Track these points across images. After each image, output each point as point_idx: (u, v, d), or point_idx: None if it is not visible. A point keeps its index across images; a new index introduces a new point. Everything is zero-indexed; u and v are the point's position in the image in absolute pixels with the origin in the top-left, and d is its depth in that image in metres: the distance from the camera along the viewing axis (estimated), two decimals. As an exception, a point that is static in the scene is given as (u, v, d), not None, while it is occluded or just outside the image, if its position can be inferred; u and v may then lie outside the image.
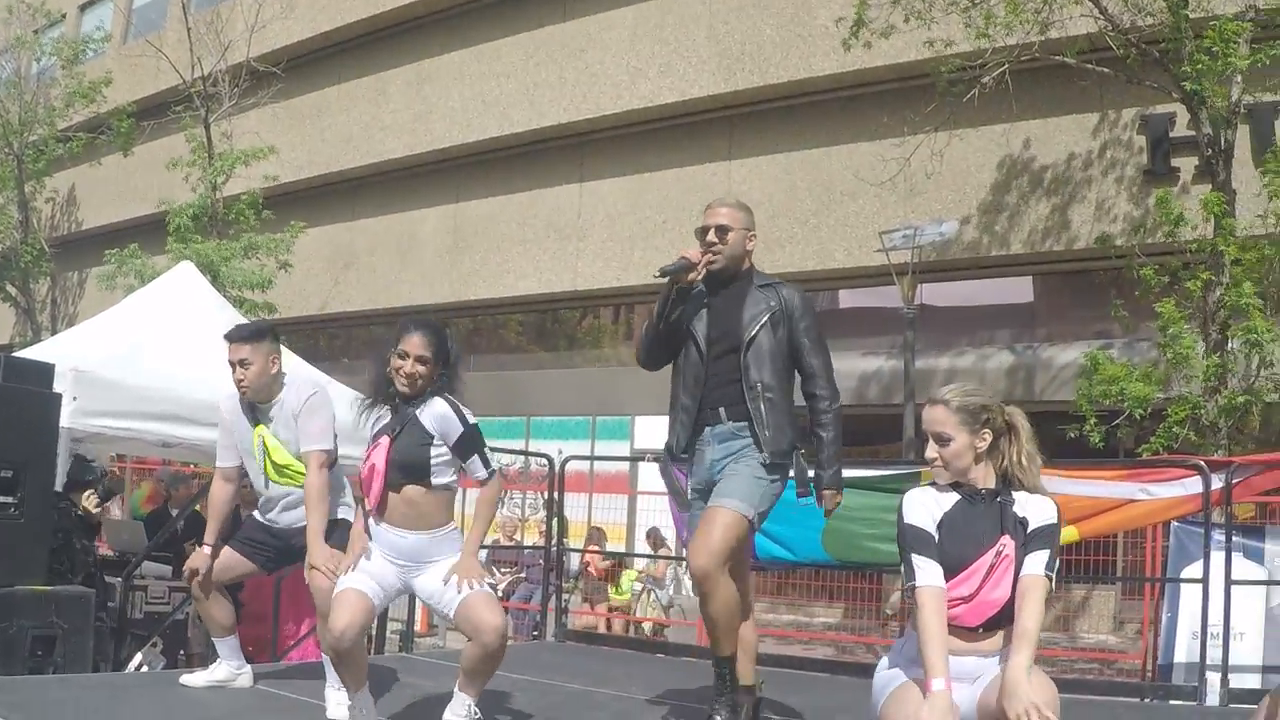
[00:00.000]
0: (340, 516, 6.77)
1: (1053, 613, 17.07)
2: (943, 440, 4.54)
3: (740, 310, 6.08)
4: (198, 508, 10.69)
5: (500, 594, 16.76)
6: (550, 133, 25.74)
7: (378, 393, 5.97)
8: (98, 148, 30.18)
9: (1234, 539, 8.79)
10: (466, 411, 5.88)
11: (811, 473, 6.04)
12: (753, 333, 5.99)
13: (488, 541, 17.47)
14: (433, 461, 5.78)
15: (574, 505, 10.48)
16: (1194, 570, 8.95)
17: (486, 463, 5.90)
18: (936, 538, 4.48)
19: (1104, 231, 18.48)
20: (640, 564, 17.66)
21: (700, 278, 6.11)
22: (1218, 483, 8.62)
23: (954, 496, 4.58)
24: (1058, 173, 20.18)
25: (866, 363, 21.57)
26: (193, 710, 6.51)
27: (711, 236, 6.11)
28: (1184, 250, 15.27)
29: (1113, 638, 17.03)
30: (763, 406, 5.91)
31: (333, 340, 31.18)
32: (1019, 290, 22.12)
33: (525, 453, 17.90)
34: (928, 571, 4.41)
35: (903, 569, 4.53)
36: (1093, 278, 19.50)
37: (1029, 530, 4.48)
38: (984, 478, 4.58)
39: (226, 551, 6.88)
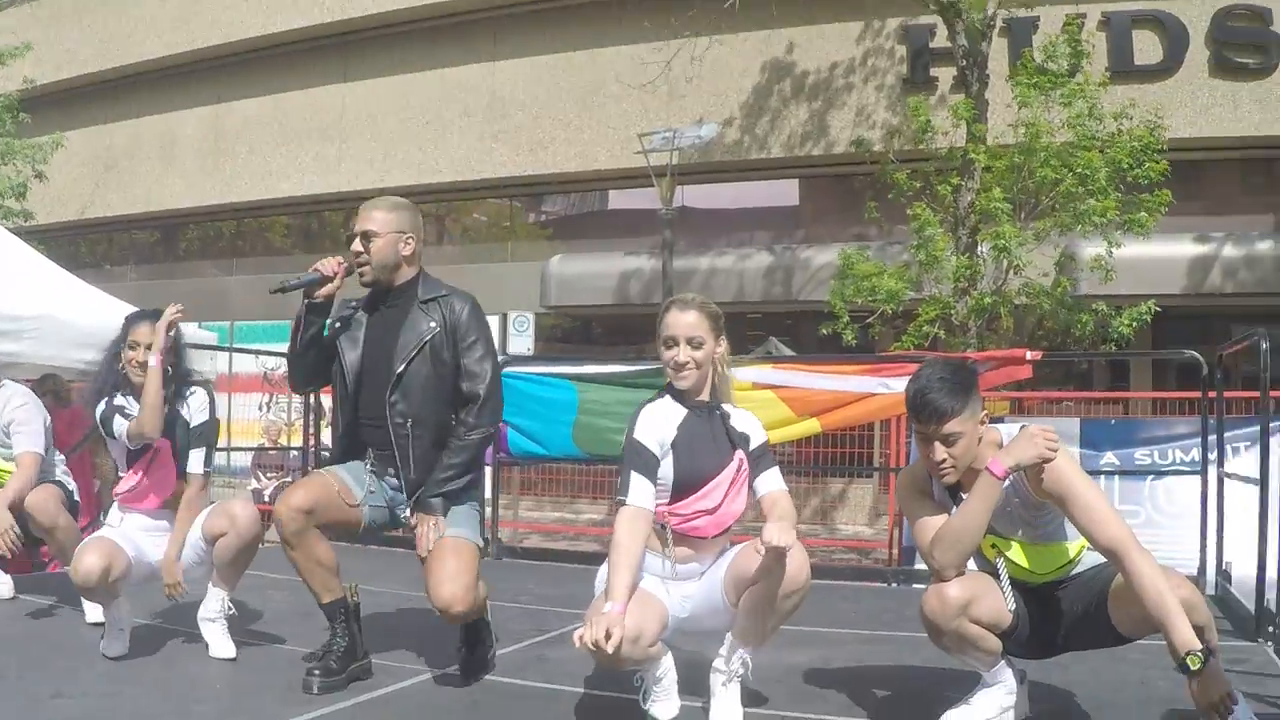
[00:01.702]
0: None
1: (812, 505, 17.54)
2: (696, 344, 4.60)
3: (397, 333, 5.30)
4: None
5: (266, 499, 16.66)
6: (313, 32, 25.29)
7: (112, 386, 5.98)
8: None
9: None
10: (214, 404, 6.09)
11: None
12: (404, 363, 5.22)
13: (253, 445, 17.40)
14: (191, 454, 5.95)
15: (336, 407, 10.52)
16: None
17: (209, 459, 6.00)
18: (669, 456, 4.58)
19: (861, 136, 18.89)
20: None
21: (335, 290, 5.37)
22: (954, 377, 8.98)
23: (682, 411, 4.67)
24: (820, 79, 20.54)
25: (628, 262, 21.78)
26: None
27: (356, 245, 5.35)
28: (938, 156, 15.69)
29: (869, 529, 17.53)
30: (411, 447, 5.22)
31: (94, 246, 30.46)
32: (781, 193, 22.52)
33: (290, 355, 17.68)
34: (640, 492, 4.49)
35: (619, 480, 4.60)
36: (852, 182, 19.92)
37: (751, 448, 4.68)
38: (705, 389, 4.72)
39: None
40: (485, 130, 23.63)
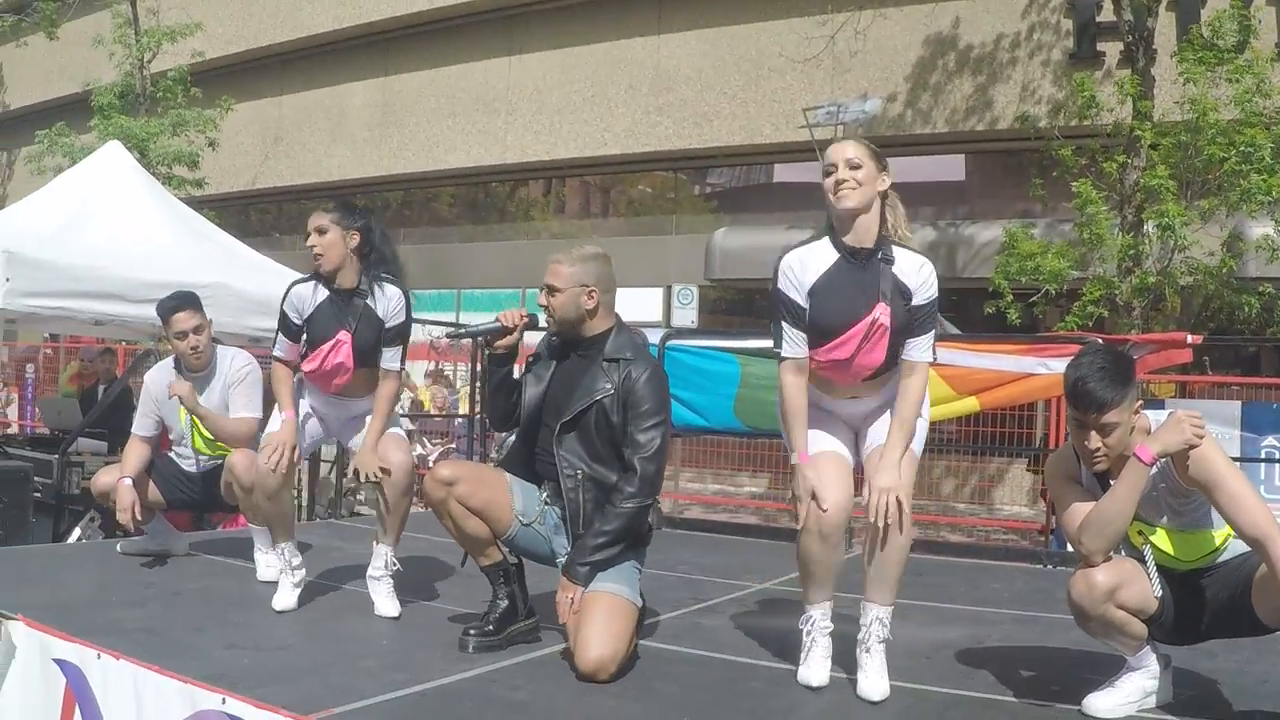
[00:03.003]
0: None
1: (971, 484, 17.51)
2: (853, 165, 4.61)
3: (576, 384, 5.28)
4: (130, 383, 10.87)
5: (430, 465, 16.97)
6: (479, 5, 25.51)
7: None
8: (23, 28, 28.95)
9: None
10: (411, 300, 6.20)
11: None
12: (571, 416, 5.20)
13: (419, 412, 17.69)
14: (383, 348, 6.10)
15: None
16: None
17: (403, 358, 6.18)
18: (809, 305, 4.68)
19: (1026, 111, 18.72)
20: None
21: (514, 342, 5.39)
22: (1113, 359, 8.97)
23: (833, 256, 4.72)
24: (984, 53, 20.36)
25: (792, 236, 21.62)
26: (131, 574, 6.78)
27: (542, 298, 5.34)
28: (1104, 133, 15.54)
29: (1028, 509, 17.44)
30: (581, 500, 5.19)
31: (263, 215, 31.11)
32: (946, 168, 22.34)
33: (456, 324, 17.92)
34: (794, 343, 4.69)
35: (772, 331, 4.79)
36: (1019, 157, 19.73)
37: (912, 303, 4.68)
38: (867, 233, 4.71)
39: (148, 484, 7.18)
40: (650, 103, 23.76)
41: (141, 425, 7.19)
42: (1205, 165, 14.24)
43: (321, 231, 6.00)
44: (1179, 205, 14.00)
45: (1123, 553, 4.44)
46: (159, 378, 7.16)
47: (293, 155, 28.91)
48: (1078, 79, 16.33)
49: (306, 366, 6.08)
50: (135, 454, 7.10)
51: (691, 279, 22.26)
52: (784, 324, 4.70)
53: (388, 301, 6.09)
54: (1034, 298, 15.38)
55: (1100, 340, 9.10)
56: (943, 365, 9.25)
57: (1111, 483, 4.30)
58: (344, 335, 5.99)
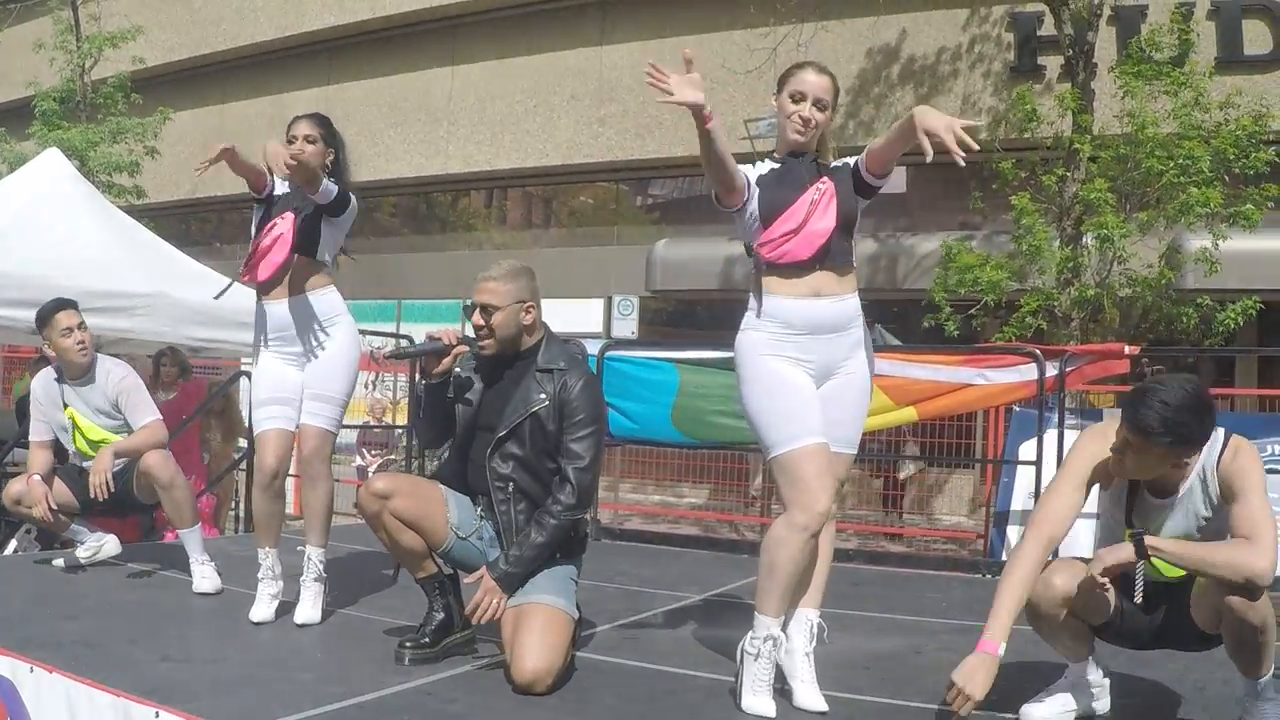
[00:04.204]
0: None
1: (910, 495, 17.55)
2: (821, 107, 4.85)
3: (509, 397, 5.29)
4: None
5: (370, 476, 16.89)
6: (421, 15, 25.43)
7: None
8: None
9: (1072, 421, 9.20)
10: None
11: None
12: (506, 429, 5.21)
13: (358, 423, 17.60)
14: (323, 237, 6.41)
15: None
16: (1029, 450, 9.36)
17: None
18: (756, 193, 4.85)
19: (967, 124, 18.81)
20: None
21: (451, 366, 5.35)
22: (1052, 370, 9.06)
23: (771, 165, 4.94)
24: (926, 65, 20.46)
25: (734, 247, 21.71)
26: (66, 586, 6.80)
27: (478, 319, 5.28)
28: (1043, 146, 15.64)
29: (968, 520, 17.50)
30: (513, 513, 5.21)
31: (203, 224, 30.87)
32: (889, 180, 22.39)
33: (396, 335, 17.91)
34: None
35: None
36: (959, 170, 19.79)
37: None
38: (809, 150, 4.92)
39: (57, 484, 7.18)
40: (593, 114, 23.76)
41: (36, 431, 7.28)
42: (1144, 178, 14.33)
43: (310, 141, 6.35)
44: (1118, 218, 14.10)
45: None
46: (44, 383, 7.29)
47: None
48: (1018, 92, 16.44)
49: (253, 258, 6.31)
50: (39, 458, 7.18)
51: (632, 290, 22.27)
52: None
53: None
54: (973, 309, 15.45)
55: (1037, 351, 9.19)
56: (881, 376, 9.30)
57: (1146, 494, 4.31)
58: (289, 214, 6.32)
